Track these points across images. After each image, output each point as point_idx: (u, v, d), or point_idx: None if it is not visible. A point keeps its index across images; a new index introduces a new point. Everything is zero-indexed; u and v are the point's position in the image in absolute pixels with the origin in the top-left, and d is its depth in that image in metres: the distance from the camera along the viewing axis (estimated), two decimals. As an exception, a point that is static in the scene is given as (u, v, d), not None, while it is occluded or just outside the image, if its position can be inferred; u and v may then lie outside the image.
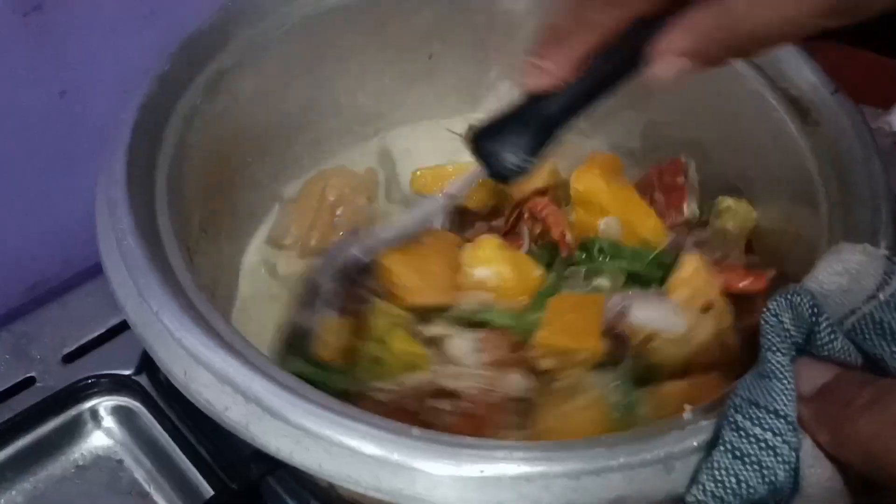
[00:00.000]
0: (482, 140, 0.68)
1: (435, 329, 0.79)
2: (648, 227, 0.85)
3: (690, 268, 0.78)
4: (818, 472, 0.54)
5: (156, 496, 0.86)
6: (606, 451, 0.57)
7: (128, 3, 0.95)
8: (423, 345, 0.79)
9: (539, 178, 0.85)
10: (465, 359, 0.77)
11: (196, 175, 0.82)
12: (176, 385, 0.63)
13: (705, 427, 0.58)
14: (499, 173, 0.68)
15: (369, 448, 0.58)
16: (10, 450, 0.86)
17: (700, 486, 0.55)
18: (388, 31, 0.97)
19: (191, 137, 0.81)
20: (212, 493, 0.83)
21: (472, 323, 0.78)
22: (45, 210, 1.01)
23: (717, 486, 0.54)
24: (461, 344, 0.78)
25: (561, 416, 0.74)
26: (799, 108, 0.83)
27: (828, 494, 0.54)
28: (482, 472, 0.57)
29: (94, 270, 0.98)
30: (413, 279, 0.79)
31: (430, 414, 0.73)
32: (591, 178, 0.85)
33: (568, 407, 0.74)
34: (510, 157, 0.66)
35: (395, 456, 0.57)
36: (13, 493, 0.85)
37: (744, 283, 0.79)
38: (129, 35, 0.96)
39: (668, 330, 0.76)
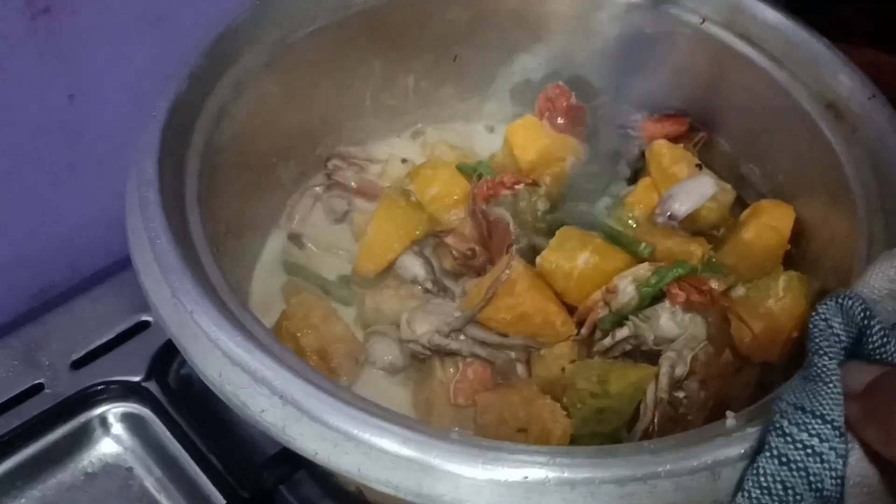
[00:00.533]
0: None
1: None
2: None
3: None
4: (863, 480, 0.53)
5: None
6: (652, 458, 0.57)
7: (137, 7, 0.95)
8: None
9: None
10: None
11: (224, 175, 0.81)
12: (210, 387, 0.62)
13: (751, 434, 0.58)
14: None
15: (410, 452, 0.57)
16: (19, 457, 0.85)
17: (745, 494, 0.55)
18: (412, 34, 0.98)
19: (219, 137, 0.81)
20: (223, 502, 0.82)
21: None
22: (52, 215, 1.00)
23: (762, 493, 0.54)
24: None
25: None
26: (835, 112, 0.84)
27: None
28: (526, 477, 0.56)
29: (103, 275, 1.00)
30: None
31: None
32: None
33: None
34: None
35: (437, 460, 0.57)
36: (22, 501, 0.84)
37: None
38: (139, 39, 0.96)
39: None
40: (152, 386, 0.89)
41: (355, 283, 0.91)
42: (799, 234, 0.86)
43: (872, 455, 0.53)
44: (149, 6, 0.95)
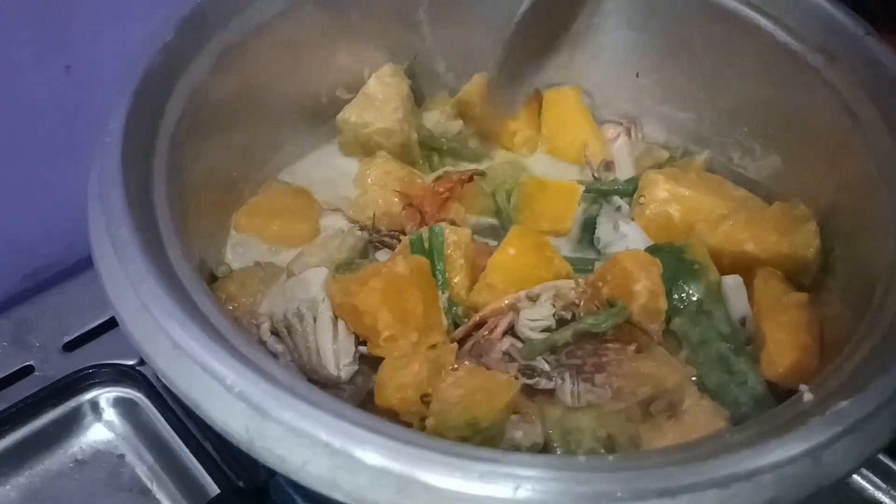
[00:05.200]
0: None
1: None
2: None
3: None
4: None
5: (158, 493, 0.83)
6: (753, 452, 0.55)
7: (136, -27, 0.92)
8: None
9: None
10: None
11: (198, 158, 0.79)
12: (238, 445, 0.57)
13: (846, 410, 0.57)
14: None
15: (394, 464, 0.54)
16: (6, 442, 0.83)
17: None
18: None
19: (195, 113, 0.78)
20: (217, 490, 0.80)
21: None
22: (47, 193, 0.98)
23: None
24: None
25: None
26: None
27: None
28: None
29: None
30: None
31: None
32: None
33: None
34: None
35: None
36: (7, 487, 0.82)
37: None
38: (137, 10, 0.92)
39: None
40: (146, 370, 0.87)
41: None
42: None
43: None
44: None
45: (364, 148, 0.96)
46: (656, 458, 0.56)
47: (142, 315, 0.61)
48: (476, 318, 0.78)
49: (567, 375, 0.74)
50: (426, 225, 0.85)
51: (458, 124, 1.00)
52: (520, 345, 0.76)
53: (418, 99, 1.01)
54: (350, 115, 0.95)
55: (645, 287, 0.76)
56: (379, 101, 0.95)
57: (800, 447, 0.55)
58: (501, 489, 0.53)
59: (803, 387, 0.60)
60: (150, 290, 0.61)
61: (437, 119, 1.00)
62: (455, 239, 0.81)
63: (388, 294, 0.74)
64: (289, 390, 0.57)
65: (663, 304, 0.77)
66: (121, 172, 0.67)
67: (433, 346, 0.75)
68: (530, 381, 0.74)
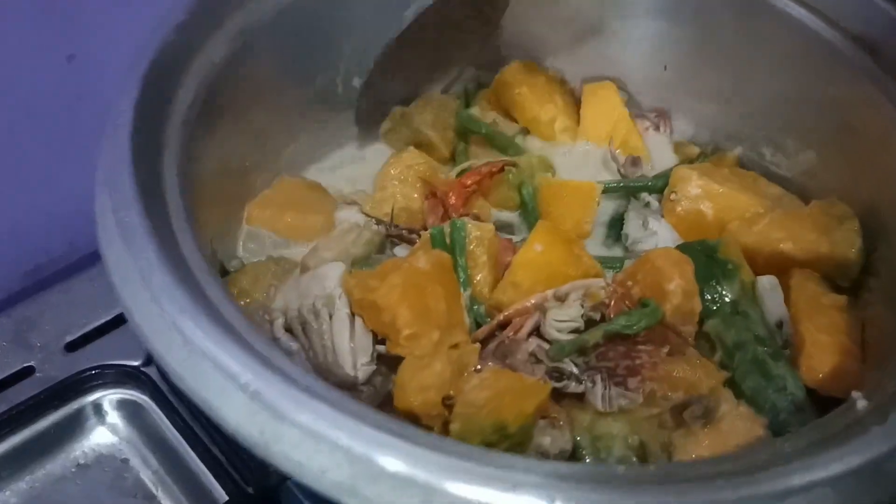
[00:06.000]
0: None
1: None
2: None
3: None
4: None
5: (163, 499, 0.81)
6: (808, 464, 0.52)
7: (141, -41, 0.90)
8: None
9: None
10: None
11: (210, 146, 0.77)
12: (251, 450, 0.55)
13: None
14: None
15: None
16: (6, 446, 0.82)
17: None
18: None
19: (208, 98, 0.76)
20: (226, 497, 0.78)
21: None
22: (48, 187, 0.96)
23: None
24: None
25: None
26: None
27: None
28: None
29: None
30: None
31: None
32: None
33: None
34: None
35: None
36: (7, 493, 0.81)
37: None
38: (142, -1, 0.92)
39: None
40: (152, 371, 0.85)
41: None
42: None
43: None
44: (154, -38, 0.91)
45: (413, 138, 0.96)
46: (703, 470, 0.53)
47: (151, 308, 0.58)
48: (500, 317, 0.76)
49: (598, 378, 0.71)
50: (449, 219, 0.83)
51: (492, 115, 0.99)
52: (546, 346, 0.74)
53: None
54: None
55: (679, 286, 0.73)
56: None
57: (860, 458, 0.52)
58: (536, 502, 0.50)
59: (856, 394, 0.58)
60: (161, 281, 0.58)
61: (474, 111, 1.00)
62: (478, 234, 0.79)
63: (409, 290, 0.71)
64: (307, 391, 0.54)
65: (698, 305, 0.74)
66: (131, 157, 0.64)
67: (455, 346, 0.72)
68: (559, 385, 0.71)
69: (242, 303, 0.77)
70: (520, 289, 0.77)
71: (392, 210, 0.87)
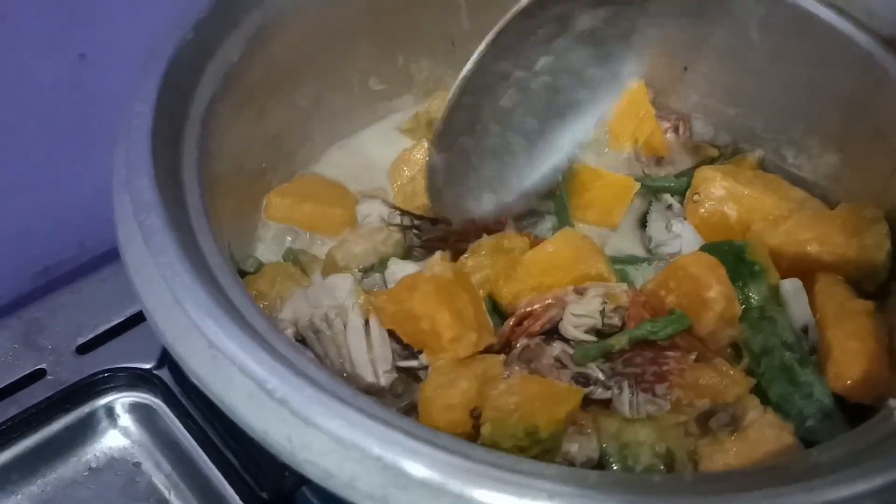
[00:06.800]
0: None
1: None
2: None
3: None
4: None
5: None
6: (849, 476, 0.51)
7: (154, -42, 0.90)
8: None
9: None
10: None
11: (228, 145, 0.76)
12: (278, 457, 0.54)
13: None
14: None
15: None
16: (17, 449, 0.81)
17: None
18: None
19: (227, 96, 0.75)
20: (240, 502, 0.78)
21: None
22: (59, 187, 0.96)
23: None
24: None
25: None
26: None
27: None
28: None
29: (113, 254, 0.93)
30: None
31: None
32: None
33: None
34: None
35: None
36: (19, 496, 0.80)
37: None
38: (155, -4, 0.91)
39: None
40: (164, 374, 0.85)
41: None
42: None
43: None
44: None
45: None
46: (741, 481, 0.52)
47: (174, 311, 0.57)
48: (519, 312, 0.75)
49: (625, 384, 0.70)
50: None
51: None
52: (571, 350, 0.72)
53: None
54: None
55: (720, 293, 0.73)
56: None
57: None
58: (572, 512, 0.49)
59: (893, 402, 0.56)
60: (184, 283, 0.57)
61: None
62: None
63: (443, 296, 0.71)
64: (335, 396, 0.53)
65: (738, 309, 0.73)
66: (150, 156, 0.63)
67: (480, 359, 0.72)
68: (586, 390, 0.70)
69: (261, 305, 0.76)
70: (533, 287, 0.76)
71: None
